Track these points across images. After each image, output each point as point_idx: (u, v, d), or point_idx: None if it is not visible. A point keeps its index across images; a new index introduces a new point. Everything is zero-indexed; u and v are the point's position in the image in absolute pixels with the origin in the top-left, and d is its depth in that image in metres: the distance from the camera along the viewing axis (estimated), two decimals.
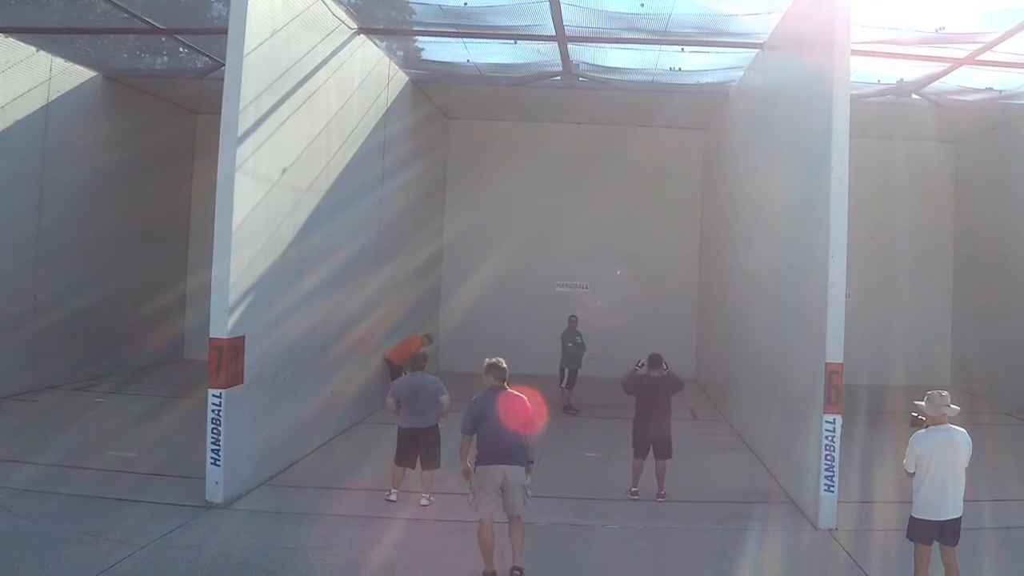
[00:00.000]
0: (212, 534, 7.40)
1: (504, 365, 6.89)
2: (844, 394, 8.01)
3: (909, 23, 10.57)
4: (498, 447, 6.48)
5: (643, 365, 9.25)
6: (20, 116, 13.27)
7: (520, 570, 6.42)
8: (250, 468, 8.75)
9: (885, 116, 14.92)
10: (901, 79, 13.51)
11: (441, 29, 12.37)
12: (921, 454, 6.01)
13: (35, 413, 12.35)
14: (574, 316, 14.85)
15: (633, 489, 8.88)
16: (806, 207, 9.04)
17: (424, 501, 8.43)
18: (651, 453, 9.04)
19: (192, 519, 7.73)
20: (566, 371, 14.29)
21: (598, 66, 13.77)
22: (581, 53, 13.10)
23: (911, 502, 6.17)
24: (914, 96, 14.19)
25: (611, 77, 14.32)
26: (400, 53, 13.99)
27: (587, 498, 8.78)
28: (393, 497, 8.42)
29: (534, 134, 18.32)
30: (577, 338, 14.46)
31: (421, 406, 8.54)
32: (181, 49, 13.90)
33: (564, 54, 12.94)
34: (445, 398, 8.55)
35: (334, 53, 11.07)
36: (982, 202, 16.84)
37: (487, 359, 6.93)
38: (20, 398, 13.02)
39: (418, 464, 8.56)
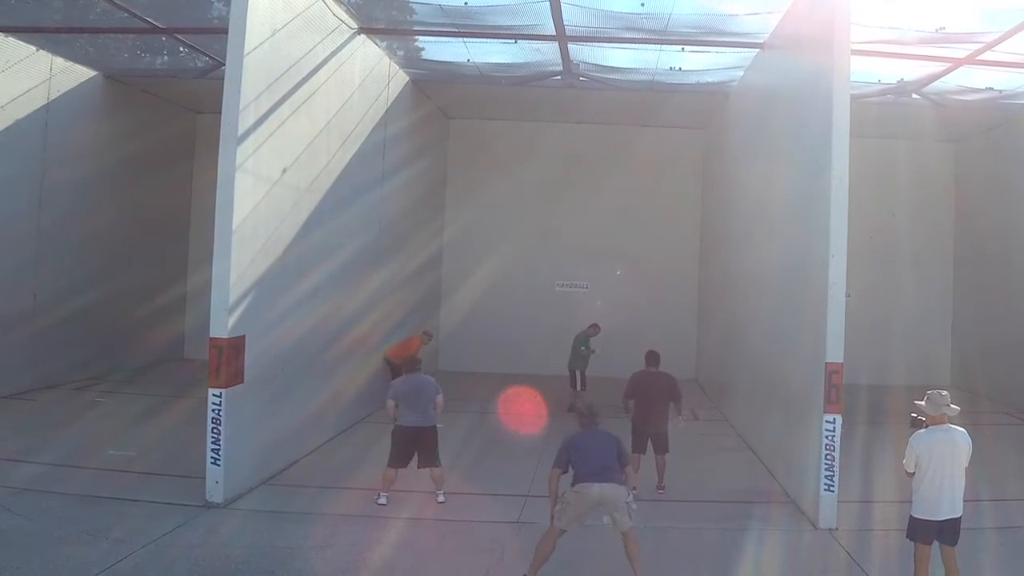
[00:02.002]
0: (212, 534, 7.40)
1: (596, 411, 6.96)
2: (844, 394, 8.01)
3: (909, 23, 10.58)
4: (593, 467, 6.43)
5: None
6: (20, 115, 13.27)
7: None
8: (250, 468, 8.75)
9: (885, 116, 14.92)
10: (901, 79, 13.52)
11: (441, 29, 12.37)
12: (921, 454, 6.01)
13: (35, 412, 12.35)
14: (596, 324, 14.72)
15: (632, 486, 8.89)
16: (806, 207, 9.04)
17: (441, 498, 8.49)
18: (650, 449, 9.14)
19: (192, 518, 7.73)
20: (577, 373, 14.18)
21: (598, 66, 13.77)
22: (581, 53, 13.10)
23: (911, 502, 6.16)
24: (914, 96, 14.19)
25: (611, 77, 14.32)
26: (400, 53, 13.99)
27: None
28: (383, 501, 8.36)
29: (534, 134, 18.31)
30: (591, 342, 14.40)
31: (424, 404, 8.60)
32: (181, 48, 13.91)
33: (564, 54, 12.94)
34: (440, 398, 8.69)
35: (334, 53, 11.08)
36: (982, 202, 16.83)
37: (578, 406, 7.08)
38: (20, 397, 13.02)
39: (415, 464, 8.54)
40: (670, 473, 9.13)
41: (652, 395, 9.18)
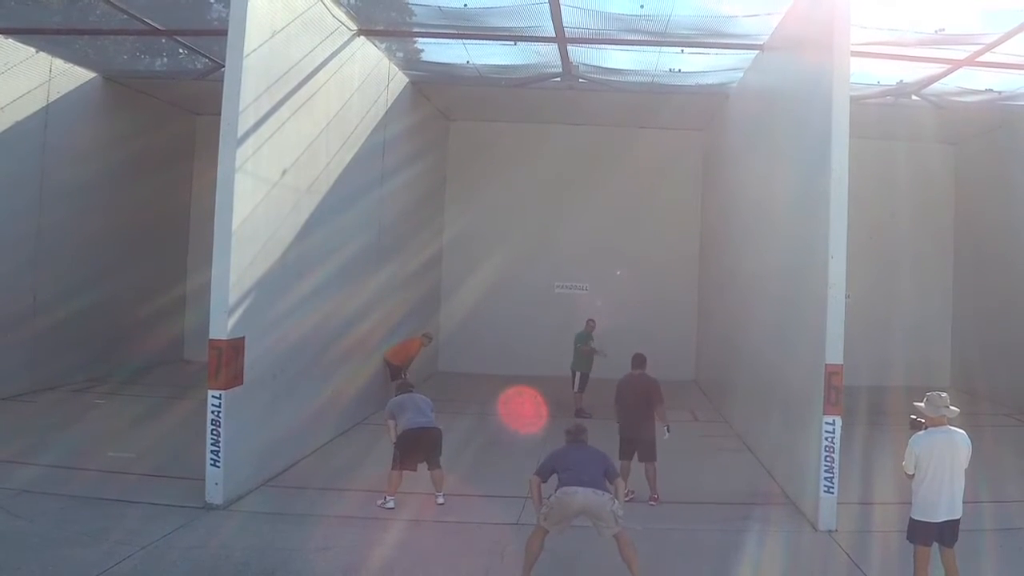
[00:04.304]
0: (212, 535, 7.40)
1: (584, 428, 7.08)
2: (844, 395, 8.01)
3: (909, 24, 10.57)
4: (576, 476, 6.48)
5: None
6: (20, 117, 13.27)
7: None
8: (250, 469, 8.75)
9: (885, 117, 14.92)
10: (901, 80, 13.52)
11: (441, 31, 12.38)
12: (920, 456, 6.01)
13: (34, 414, 12.34)
14: (592, 320, 14.69)
15: (627, 490, 8.84)
16: (806, 208, 9.04)
17: (441, 499, 8.48)
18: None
19: (192, 520, 7.73)
20: (577, 374, 14.10)
21: (598, 67, 13.77)
22: (581, 54, 13.11)
23: (911, 503, 6.16)
24: (914, 97, 14.18)
25: (611, 78, 14.32)
26: (400, 54, 14.00)
27: None
28: (391, 504, 8.32)
29: (534, 135, 18.33)
30: (590, 341, 14.36)
31: (424, 409, 8.69)
32: (181, 50, 13.91)
33: (564, 55, 12.94)
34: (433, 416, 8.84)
35: (334, 54, 11.08)
36: (982, 203, 16.84)
37: (568, 427, 7.11)
38: (19, 399, 13.01)
39: (422, 467, 8.55)
40: (669, 474, 9.07)
41: (630, 399, 9.09)
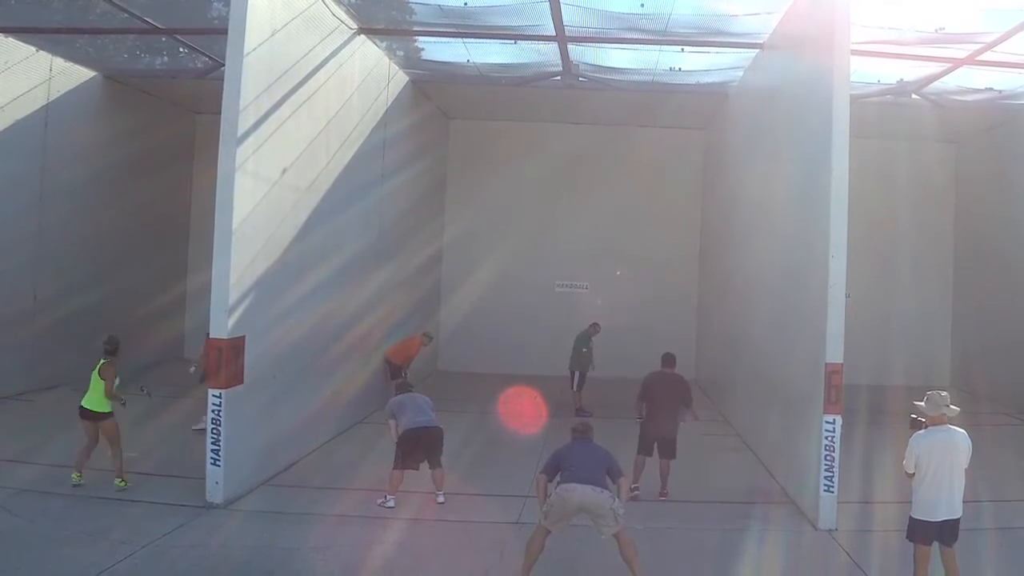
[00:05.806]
0: (212, 534, 7.41)
1: (590, 426, 7.08)
2: (844, 394, 8.01)
3: (909, 23, 10.58)
4: (577, 473, 6.48)
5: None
6: (20, 116, 13.27)
7: None
8: (250, 468, 8.76)
9: (885, 116, 14.91)
10: (901, 79, 13.52)
11: (441, 29, 12.38)
12: (920, 455, 6.01)
13: (34, 413, 12.34)
14: (596, 323, 14.63)
15: (634, 486, 8.85)
16: (806, 207, 9.04)
17: (441, 498, 8.49)
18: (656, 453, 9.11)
19: (192, 519, 7.74)
20: (576, 373, 14.10)
21: (598, 66, 13.78)
22: (581, 53, 13.11)
23: (911, 503, 6.16)
24: (914, 96, 14.19)
25: (611, 77, 14.33)
26: (400, 53, 13.99)
27: None
28: (392, 504, 8.32)
29: (534, 134, 18.31)
30: (588, 343, 14.34)
31: (424, 408, 8.68)
32: (181, 49, 13.92)
33: (564, 54, 12.94)
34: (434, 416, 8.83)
35: (334, 53, 11.08)
36: (982, 202, 16.84)
37: (575, 425, 7.14)
38: (19, 398, 13.01)
39: (423, 466, 8.55)
40: (671, 471, 9.09)
41: (661, 397, 9.16)
